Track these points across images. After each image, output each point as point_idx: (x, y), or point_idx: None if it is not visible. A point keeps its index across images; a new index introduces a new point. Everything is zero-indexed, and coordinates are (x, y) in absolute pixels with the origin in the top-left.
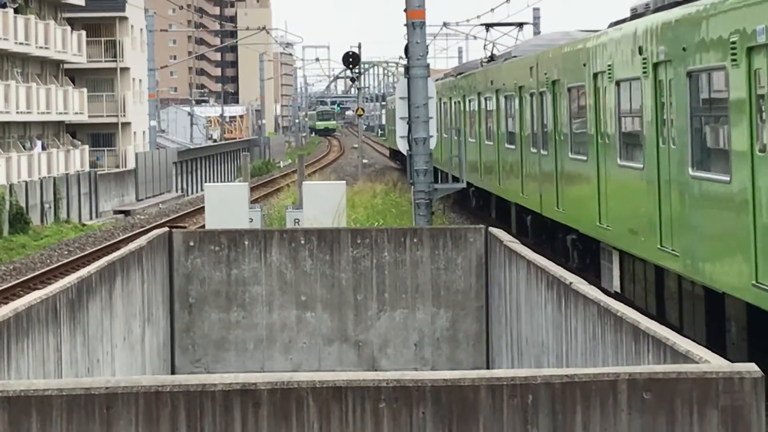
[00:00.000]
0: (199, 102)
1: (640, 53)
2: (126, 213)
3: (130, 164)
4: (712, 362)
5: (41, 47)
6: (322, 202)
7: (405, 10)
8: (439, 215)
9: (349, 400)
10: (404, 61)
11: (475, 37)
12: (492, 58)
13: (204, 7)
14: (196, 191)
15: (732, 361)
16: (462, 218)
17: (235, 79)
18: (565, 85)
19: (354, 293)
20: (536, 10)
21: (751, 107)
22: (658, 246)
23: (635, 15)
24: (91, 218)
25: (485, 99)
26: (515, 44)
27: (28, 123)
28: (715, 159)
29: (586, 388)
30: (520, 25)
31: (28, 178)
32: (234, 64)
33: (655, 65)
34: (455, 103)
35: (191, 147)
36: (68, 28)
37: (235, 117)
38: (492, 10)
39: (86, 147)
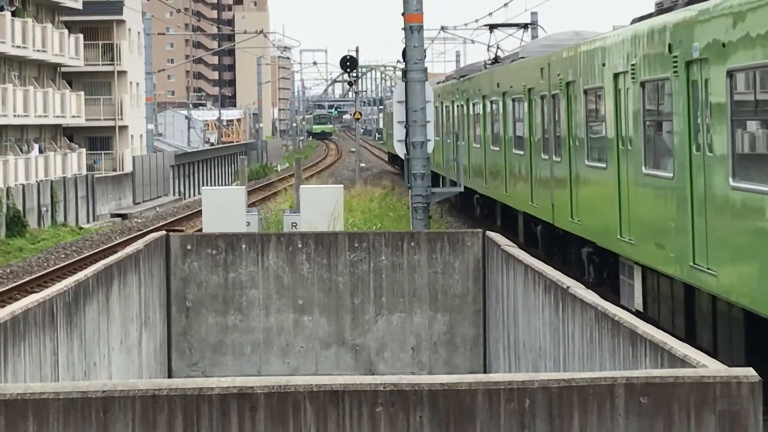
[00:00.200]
0: (196, 105)
1: (670, 51)
2: (123, 216)
3: (128, 168)
4: (710, 366)
5: (38, 50)
6: (320, 206)
7: (403, 14)
8: (436, 219)
9: (346, 404)
10: (402, 65)
11: (473, 41)
12: (496, 59)
13: (201, 10)
14: (194, 195)
15: None
16: (459, 222)
17: (232, 83)
18: (581, 86)
19: (351, 297)
20: (534, 14)
21: None
22: (691, 263)
23: (661, 10)
24: (88, 221)
25: (491, 102)
26: (520, 45)
27: (25, 126)
28: (760, 168)
29: (583, 393)
30: (526, 26)
31: (26, 182)
32: (231, 67)
33: (688, 63)
34: (458, 106)
35: (188, 150)
36: (66, 31)
37: (232, 120)
38: (490, 14)
39: (83, 150)
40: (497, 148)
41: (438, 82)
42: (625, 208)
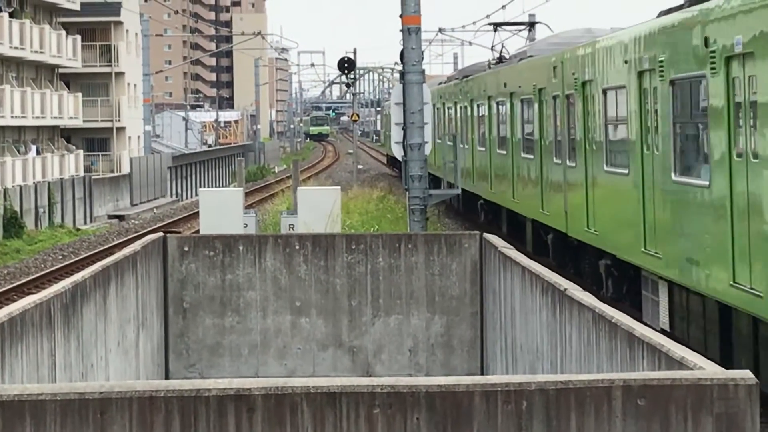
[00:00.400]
0: (194, 107)
1: (706, 45)
2: (120, 218)
3: (125, 169)
4: (707, 369)
5: (36, 52)
6: (317, 208)
7: (400, 16)
8: (434, 221)
9: (344, 406)
10: (399, 67)
11: (470, 43)
12: (501, 59)
13: (199, 12)
14: (191, 196)
15: None
16: (457, 224)
17: (230, 84)
18: (600, 86)
19: (348, 299)
20: (531, 16)
21: None
22: (731, 282)
23: (694, 1)
24: (85, 223)
25: (497, 103)
26: (525, 45)
27: (22, 127)
28: None
29: (580, 395)
30: (531, 24)
31: (23, 183)
32: (229, 69)
33: (728, 59)
34: (461, 108)
35: (186, 152)
36: (63, 32)
37: (230, 122)
38: (487, 16)
39: (81, 151)
40: (504, 152)
41: (440, 83)
42: (650, 218)
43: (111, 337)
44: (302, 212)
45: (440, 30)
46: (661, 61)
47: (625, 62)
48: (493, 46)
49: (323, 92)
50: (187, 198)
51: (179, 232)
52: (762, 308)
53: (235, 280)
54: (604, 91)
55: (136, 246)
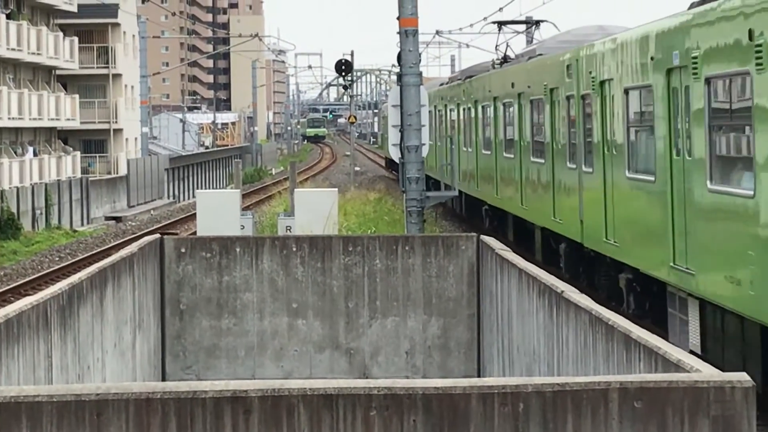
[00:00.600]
0: (191, 109)
1: (751, 39)
2: (117, 219)
3: (122, 171)
4: (704, 371)
5: (33, 53)
6: (314, 210)
7: (398, 18)
8: (431, 223)
9: (340, 408)
10: (397, 69)
11: (468, 45)
12: (505, 59)
13: (196, 14)
14: (188, 198)
15: None
16: (454, 227)
17: (227, 86)
18: (621, 85)
19: (345, 301)
20: (529, 17)
21: None
22: None
23: None
24: (82, 224)
25: (504, 104)
26: (532, 44)
27: (19, 129)
28: None
29: (577, 397)
30: (537, 23)
31: (20, 184)
32: (226, 71)
33: None
34: (464, 110)
35: (183, 154)
36: (60, 34)
37: (227, 124)
38: (485, 18)
39: (78, 153)
40: (511, 155)
41: (441, 84)
42: (681, 231)
43: (108, 339)
44: (299, 214)
45: (438, 32)
46: (695, 58)
47: (652, 59)
48: (497, 46)
49: (320, 94)
50: (184, 200)
51: (176, 234)
52: None
53: (231, 282)
54: (626, 91)
55: (133, 247)
